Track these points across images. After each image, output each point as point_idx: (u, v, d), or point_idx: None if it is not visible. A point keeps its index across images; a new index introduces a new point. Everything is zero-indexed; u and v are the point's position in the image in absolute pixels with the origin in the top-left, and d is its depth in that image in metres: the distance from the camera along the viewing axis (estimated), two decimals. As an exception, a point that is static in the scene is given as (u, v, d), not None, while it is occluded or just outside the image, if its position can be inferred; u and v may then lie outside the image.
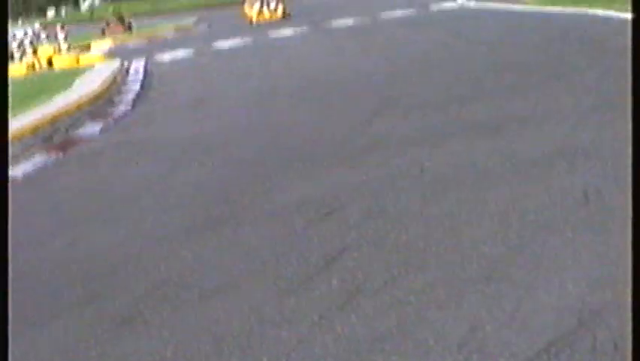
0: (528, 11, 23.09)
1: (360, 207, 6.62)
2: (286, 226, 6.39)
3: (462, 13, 25.82)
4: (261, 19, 36.51)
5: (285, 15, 36.75)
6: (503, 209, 5.95)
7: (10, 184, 10.14)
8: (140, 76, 20.73)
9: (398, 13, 28.68)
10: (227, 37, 29.78)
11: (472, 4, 28.02)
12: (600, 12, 18.54)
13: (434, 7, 29.12)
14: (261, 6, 37.31)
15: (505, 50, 15.71)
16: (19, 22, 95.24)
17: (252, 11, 37.21)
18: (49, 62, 27.81)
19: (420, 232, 5.78)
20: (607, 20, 17.18)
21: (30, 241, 7.37)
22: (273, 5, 37.21)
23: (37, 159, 11.47)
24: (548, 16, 20.93)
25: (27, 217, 8.45)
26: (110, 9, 54.00)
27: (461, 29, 21.02)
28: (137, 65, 23.49)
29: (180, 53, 26.71)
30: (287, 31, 28.37)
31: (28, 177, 10.54)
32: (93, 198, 8.85)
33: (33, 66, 27.71)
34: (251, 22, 35.95)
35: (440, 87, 12.40)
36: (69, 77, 19.62)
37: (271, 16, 36.63)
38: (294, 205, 6.96)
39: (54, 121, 13.30)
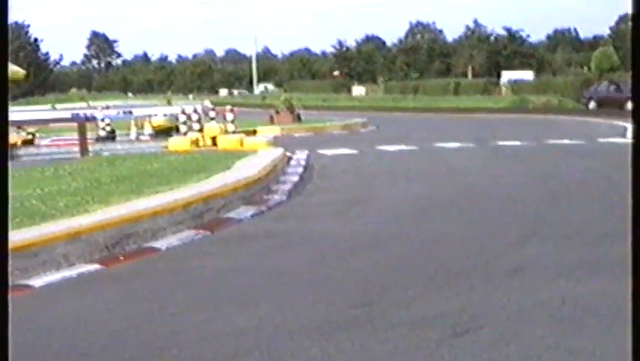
0: None
1: (496, 330, 6.63)
2: (420, 339, 6.43)
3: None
4: None
5: None
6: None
7: (145, 253, 10.54)
8: (301, 168, 21.16)
9: (565, 141, 28.55)
10: (393, 141, 30.17)
11: None
12: None
13: (602, 139, 28.89)
14: None
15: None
16: (191, 97, 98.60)
17: None
18: (214, 141, 28.63)
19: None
20: None
21: (162, 314, 7.60)
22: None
23: (184, 235, 11.83)
24: None
25: (164, 290, 8.72)
26: (282, 97, 55.37)
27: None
28: (300, 157, 23.99)
29: (344, 151, 27.17)
30: (453, 144, 28.48)
31: (171, 250, 10.89)
32: (233, 281, 9.05)
33: (197, 142, 28.58)
34: None
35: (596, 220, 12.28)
36: (230, 158, 20.16)
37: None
38: (431, 318, 7.01)
39: (208, 200, 13.67)
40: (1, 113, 2.98)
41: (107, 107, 39.90)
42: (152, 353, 6.45)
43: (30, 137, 35.15)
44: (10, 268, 8.88)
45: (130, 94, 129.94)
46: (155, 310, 7.80)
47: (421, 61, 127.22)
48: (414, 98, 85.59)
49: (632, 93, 3.11)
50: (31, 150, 31.70)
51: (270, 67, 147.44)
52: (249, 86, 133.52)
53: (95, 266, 9.93)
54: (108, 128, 35.65)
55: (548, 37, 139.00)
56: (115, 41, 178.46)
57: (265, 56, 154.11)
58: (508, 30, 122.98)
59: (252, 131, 35.89)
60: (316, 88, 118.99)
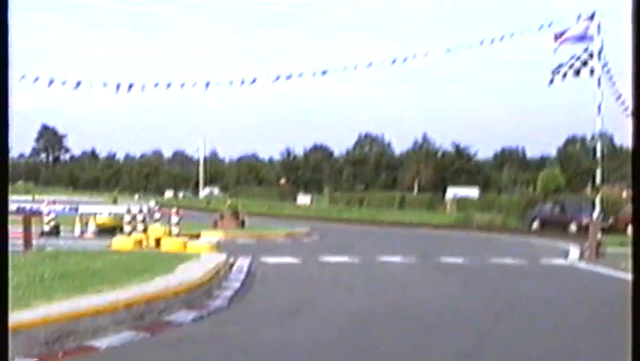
0: None
1: None
2: None
3: (564, 275, 25.82)
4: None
5: None
6: None
7: (84, 351, 10.62)
8: (243, 275, 21.29)
9: (508, 260, 28.80)
10: (336, 252, 30.37)
11: (582, 265, 27.93)
12: None
13: (545, 260, 29.19)
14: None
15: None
16: (136, 197, 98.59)
17: None
18: (157, 243, 28.74)
19: None
20: None
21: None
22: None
23: (125, 335, 11.91)
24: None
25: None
26: (227, 202, 55.73)
27: (568, 285, 21.10)
28: (242, 263, 24.10)
29: (287, 259, 27.31)
30: (397, 258, 28.75)
31: (110, 350, 10.97)
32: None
33: (140, 243, 28.66)
34: None
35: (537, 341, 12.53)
36: (173, 261, 20.30)
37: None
38: None
39: (149, 302, 13.78)
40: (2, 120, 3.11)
41: (54, 202, 39.96)
42: None
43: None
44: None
45: (71, 189, 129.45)
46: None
47: (368, 172, 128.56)
48: (359, 209, 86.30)
49: (632, 115, 3.29)
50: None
51: (216, 170, 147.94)
52: (195, 188, 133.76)
53: (34, 362, 9.98)
54: (53, 223, 35.66)
55: (496, 155, 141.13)
56: (64, 136, 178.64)
57: (212, 159, 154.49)
58: (457, 146, 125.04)
59: (195, 235, 35.99)
60: (262, 194, 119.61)
